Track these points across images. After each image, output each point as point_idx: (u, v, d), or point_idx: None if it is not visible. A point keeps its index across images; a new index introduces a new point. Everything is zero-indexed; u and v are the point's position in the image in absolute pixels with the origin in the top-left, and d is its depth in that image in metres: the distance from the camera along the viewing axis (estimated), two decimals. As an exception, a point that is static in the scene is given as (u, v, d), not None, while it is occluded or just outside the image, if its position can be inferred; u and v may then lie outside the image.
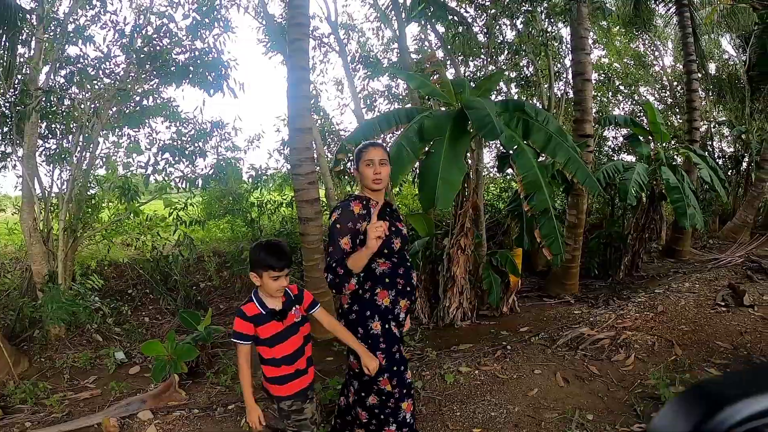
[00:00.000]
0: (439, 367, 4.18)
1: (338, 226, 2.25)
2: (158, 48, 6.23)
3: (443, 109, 5.25)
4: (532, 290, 6.95)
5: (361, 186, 2.39)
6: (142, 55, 6.13)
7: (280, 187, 8.56)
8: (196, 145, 7.10)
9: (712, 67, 12.83)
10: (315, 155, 6.61)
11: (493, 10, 7.42)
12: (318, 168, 6.71)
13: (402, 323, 2.45)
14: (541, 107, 8.47)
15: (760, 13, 10.18)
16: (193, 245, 6.69)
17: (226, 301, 7.00)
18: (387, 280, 2.33)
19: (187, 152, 6.94)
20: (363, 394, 2.43)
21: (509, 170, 5.59)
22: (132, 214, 6.16)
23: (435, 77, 5.38)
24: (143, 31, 6.26)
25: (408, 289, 2.40)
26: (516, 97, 9.63)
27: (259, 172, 8.01)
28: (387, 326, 2.34)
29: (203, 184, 7.09)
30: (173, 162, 6.80)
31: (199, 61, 6.64)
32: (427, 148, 4.57)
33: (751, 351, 4.15)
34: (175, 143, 6.93)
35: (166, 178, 6.79)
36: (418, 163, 4.85)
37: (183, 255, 6.66)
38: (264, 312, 2.21)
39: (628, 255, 7.29)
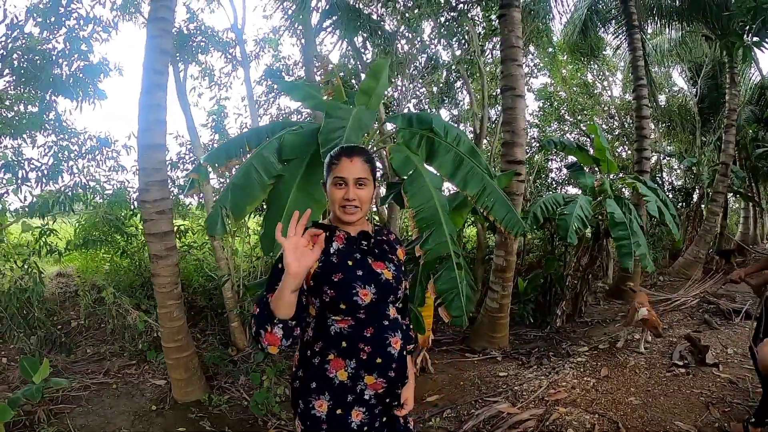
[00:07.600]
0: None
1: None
2: (38, 62, 5.48)
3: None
4: (454, 342, 5.82)
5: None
6: (21, 71, 5.45)
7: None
8: (71, 163, 6.23)
9: (662, 99, 12.51)
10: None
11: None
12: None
13: (377, 409, 1.63)
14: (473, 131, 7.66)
15: (711, 44, 9.79)
16: (41, 279, 5.47)
17: (95, 345, 5.78)
18: (344, 344, 1.58)
19: (64, 171, 6.01)
20: None
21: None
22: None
23: (329, 89, 4.37)
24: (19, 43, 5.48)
25: (379, 361, 1.59)
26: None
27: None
28: (339, 411, 1.56)
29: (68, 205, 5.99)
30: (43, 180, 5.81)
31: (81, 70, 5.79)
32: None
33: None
34: (62, 158, 6.05)
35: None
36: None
37: (30, 289, 5.45)
38: None
39: (567, 299, 6.29)
